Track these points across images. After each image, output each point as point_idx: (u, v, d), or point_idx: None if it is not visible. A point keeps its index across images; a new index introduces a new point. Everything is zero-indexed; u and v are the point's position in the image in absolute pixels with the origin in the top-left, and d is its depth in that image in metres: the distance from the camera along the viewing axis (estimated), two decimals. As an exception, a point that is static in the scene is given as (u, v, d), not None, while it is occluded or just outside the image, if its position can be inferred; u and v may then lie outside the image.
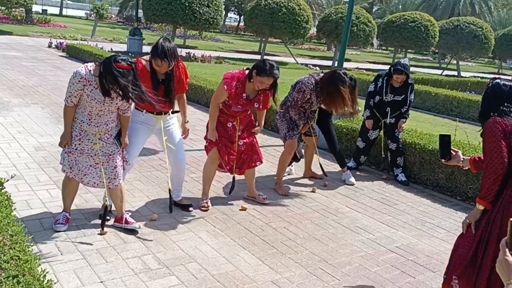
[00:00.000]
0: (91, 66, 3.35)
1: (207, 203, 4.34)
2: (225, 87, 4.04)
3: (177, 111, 4.06)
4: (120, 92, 3.24)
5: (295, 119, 4.95)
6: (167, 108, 3.92)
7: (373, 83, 5.78)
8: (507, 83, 2.66)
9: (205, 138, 4.35)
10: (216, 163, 4.32)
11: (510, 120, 2.53)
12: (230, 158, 4.25)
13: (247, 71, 4.14)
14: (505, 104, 2.58)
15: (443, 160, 2.97)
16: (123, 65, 3.21)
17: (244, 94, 4.13)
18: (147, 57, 3.77)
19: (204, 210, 4.27)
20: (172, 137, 4.05)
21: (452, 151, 2.93)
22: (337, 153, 5.52)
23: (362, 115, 6.01)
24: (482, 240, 2.61)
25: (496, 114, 2.57)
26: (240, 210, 4.39)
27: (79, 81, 3.29)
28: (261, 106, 4.27)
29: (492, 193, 2.55)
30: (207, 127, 4.31)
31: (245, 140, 4.31)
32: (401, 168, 5.77)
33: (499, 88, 2.64)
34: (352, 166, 6.10)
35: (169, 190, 3.95)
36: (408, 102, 5.67)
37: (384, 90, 5.64)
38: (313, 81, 4.82)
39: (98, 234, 3.61)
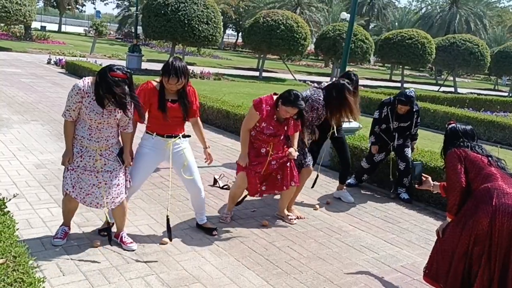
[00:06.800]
0: (88, 79, 3.40)
1: (227, 217, 4.47)
2: (257, 112, 4.15)
3: (188, 136, 3.97)
4: (113, 101, 3.26)
5: (306, 140, 4.80)
6: (177, 131, 3.85)
7: (378, 111, 5.75)
8: (461, 125, 3.36)
9: (237, 162, 4.42)
10: (242, 188, 4.40)
11: (465, 149, 3.18)
12: (258, 181, 4.30)
13: (275, 96, 4.22)
14: (461, 139, 3.26)
15: (415, 184, 3.60)
16: (118, 74, 3.25)
17: (275, 116, 4.21)
18: (158, 79, 3.78)
19: (222, 222, 4.42)
20: (186, 163, 3.93)
21: (423, 177, 3.51)
22: (347, 169, 5.48)
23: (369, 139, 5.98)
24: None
25: (454, 147, 3.23)
26: (262, 225, 4.45)
27: (77, 93, 3.32)
28: (291, 130, 4.34)
29: (455, 207, 3.12)
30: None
31: (278, 160, 4.32)
32: (405, 188, 5.75)
33: (456, 130, 3.34)
34: (352, 183, 6.08)
35: (167, 216, 3.76)
36: (415, 124, 5.68)
37: (389, 118, 5.61)
38: (321, 95, 4.80)
39: (92, 246, 3.62)
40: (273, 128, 4.21)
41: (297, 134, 4.43)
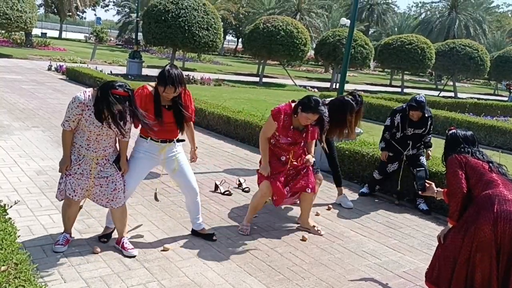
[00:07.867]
0: (89, 91, 3.40)
1: (246, 229, 4.36)
2: (275, 122, 4.12)
3: (182, 140, 3.98)
4: (110, 118, 3.27)
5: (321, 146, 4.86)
6: (172, 136, 3.85)
7: (389, 118, 5.69)
8: (461, 131, 3.36)
9: (258, 171, 4.40)
10: (266, 197, 4.34)
11: (466, 155, 3.18)
12: (283, 189, 4.24)
13: (293, 104, 4.19)
14: (462, 145, 3.26)
15: (418, 191, 3.59)
16: (120, 92, 3.24)
17: (291, 126, 4.17)
18: (154, 84, 3.77)
19: (242, 234, 4.32)
20: (180, 167, 3.93)
21: (426, 183, 3.50)
22: (336, 170, 5.52)
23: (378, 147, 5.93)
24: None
25: (455, 153, 3.23)
26: (301, 240, 4.35)
27: (78, 106, 3.33)
28: (309, 137, 4.29)
29: (456, 213, 3.11)
30: (260, 162, 4.38)
31: (296, 168, 4.31)
32: (423, 198, 5.58)
33: (456, 136, 3.33)
34: (365, 191, 6.00)
35: None
36: (428, 130, 5.58)
37: (402, 126, 5.52)
38: (326, 111, 4.81)
39: (93, 253, 3.62)
40: (291, 138, 4.18)
41: (314, 141, 4.40)
